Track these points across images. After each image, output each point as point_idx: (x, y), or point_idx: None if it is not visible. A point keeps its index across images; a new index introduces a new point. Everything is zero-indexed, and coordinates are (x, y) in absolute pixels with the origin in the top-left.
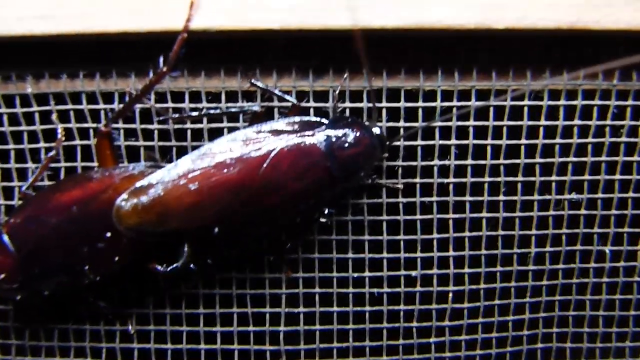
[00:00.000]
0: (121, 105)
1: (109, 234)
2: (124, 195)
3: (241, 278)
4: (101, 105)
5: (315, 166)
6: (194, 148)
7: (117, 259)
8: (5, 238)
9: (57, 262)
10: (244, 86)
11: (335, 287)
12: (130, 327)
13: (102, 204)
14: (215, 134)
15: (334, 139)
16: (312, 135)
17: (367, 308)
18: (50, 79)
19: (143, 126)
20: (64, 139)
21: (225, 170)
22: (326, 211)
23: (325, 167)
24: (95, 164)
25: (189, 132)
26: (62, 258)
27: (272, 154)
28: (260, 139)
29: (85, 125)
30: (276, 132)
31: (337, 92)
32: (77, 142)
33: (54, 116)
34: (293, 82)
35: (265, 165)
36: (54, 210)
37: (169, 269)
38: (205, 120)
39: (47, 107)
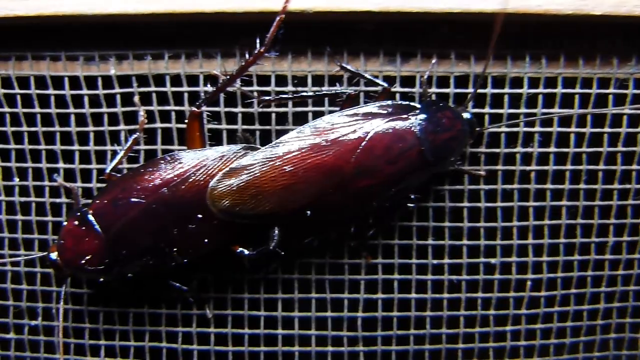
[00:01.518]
0: (214, 87)
1: (200, 216)
2: (219, 177)
3: (320, 263)
4: (185, 88)
5: (409, 150)
6: (278, 132)
7: (206, 241)
8: (92, 219)
9: (145, 245)
10: (331, 70)
11: (415, 273)
12: (208, 311)
13: (195, 185)
14: (299, 118)
15: (428, 123)
16: (407, 119)
17: (446, 295)
18: (134, 61)
19: (227, 109)
20: (146, 121)
21: (320, 153)
22: (412, 197)
23: (419, 151)
24: (176, 147)
25: (273, 115)
26: (151, 240)
27: (368, 137)
28: (354, 122)
29: (167, 107)
30: (370, 115)
31: (425, 77)
32: (158, 125)
33: (136, 98)
34: (380, 67)
35: (360, 148)
36: (143, 192)
37: (255, 252)
38: (290, 104)
39: (130, 89)
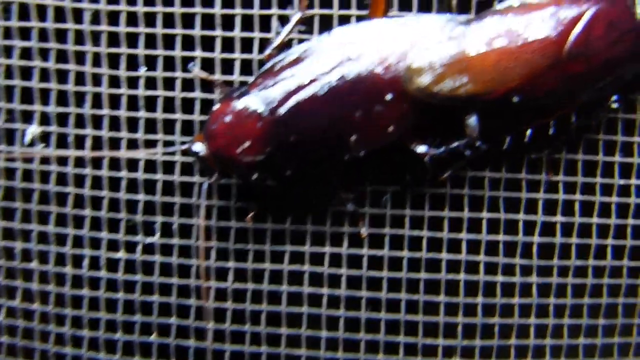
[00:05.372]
0: None
1: (390, 97)
2: (421, 50)
3: (495, 178)
4: None
5: (627, 34)
6: None
7: (391, 129)
8: (255, 98)
9: (318, 129)
10: None
11: (599, 194)
12: (363, 229)
13: (387, 58)
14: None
15: None
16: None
17: (630, 221)
18: None
19: None
20: (307, 1)
21: (537, 29)
22: (616, 97)
23: (638, 36)
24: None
25: None
26: (326, 123)
27: (587, 15)
28: None
29: None
30: None
31: None
32: (317, 11)
33: None
34: None
35: (579, 26)
36: (321, 67)
37: (439, 151)
38: None
39: None
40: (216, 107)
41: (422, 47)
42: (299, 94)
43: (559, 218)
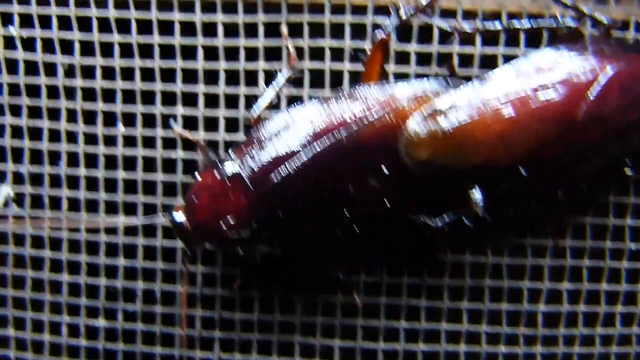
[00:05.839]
0: (409, 12)
1: (385, 169)
2: (418, 119)
3: (499, 244)
4: (348, 18)
5: None
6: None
7: (388, 203)
8: (239, 169)
9: (307, 203)
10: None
11: (609, 258)
12: (357, 298)
13: (381, 128)
14: (487, 62)
15: None
16: None
17: None
18: None
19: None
20: (296, 58)
21: (545, 94)
22: (629, 162)
23: None
24: (328, 92)
25: (455, 57)
26: (316, 197)
27: (602, 78)
28: (584, 60)
29: (321, 42)
30: (601, 53)
31: None
32: (307, 63)
33: (284, 29)
34: (594, 6)
35: (593, 90)
36: (310, 136)
37: (439, 223)
38: (479, 42)
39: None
40: (198, 177)
41: (419, 116)
42: (288, 164)
43: (565, 285)
